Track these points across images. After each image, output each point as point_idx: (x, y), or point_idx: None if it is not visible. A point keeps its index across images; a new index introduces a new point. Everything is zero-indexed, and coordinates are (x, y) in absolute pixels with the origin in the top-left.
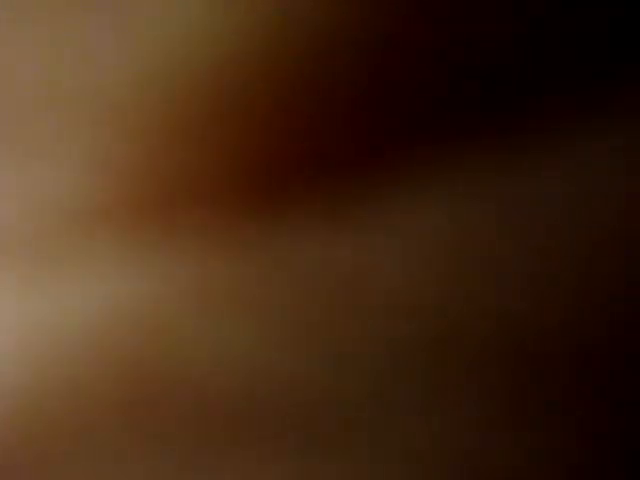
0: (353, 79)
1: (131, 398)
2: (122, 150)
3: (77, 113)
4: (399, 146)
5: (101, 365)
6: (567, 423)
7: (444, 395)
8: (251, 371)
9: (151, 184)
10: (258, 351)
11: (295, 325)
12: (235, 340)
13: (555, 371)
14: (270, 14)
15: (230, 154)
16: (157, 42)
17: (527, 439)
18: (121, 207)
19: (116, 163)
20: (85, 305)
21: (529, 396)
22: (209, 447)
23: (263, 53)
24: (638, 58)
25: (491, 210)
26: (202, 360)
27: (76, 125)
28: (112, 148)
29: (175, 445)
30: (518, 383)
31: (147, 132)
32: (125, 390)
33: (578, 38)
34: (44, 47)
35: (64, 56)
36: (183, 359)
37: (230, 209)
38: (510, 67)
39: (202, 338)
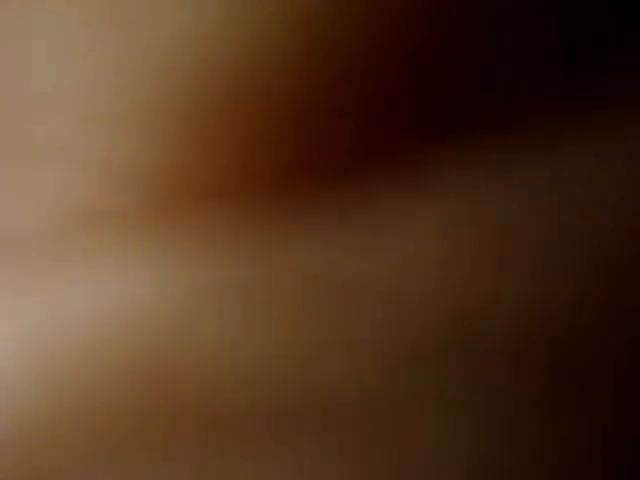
0: (357, 81)
1: (135, 400)
2: (127, 152)
3: (83, 115)
4: (404, 147)
5: (104, 367)
6: (585, 426)
7: (455, 396)
8: (258, 372)
9: (156, 186)
10: (265, 351)
11: (301, 326)
12: (242, 341)
13: (570, 373)
14: (275, 16)
15: (236, 157)
16: (164, 46)
17: (541, 441)
18: (126, 209)
19: (121, 165)
20: (89, 306)
21: (543, 398)
22: (213, 447)
23: (266, 55)
24: (637, 57)
25: (491, 210)
26: (205, 360)
27: (82, 127)
28: (117, 150)
29: (180, 447)
30: (530, 383)
31: (153, 135)
32: (129, 392)
33: (580, 38)
34: (56, 49)
35: (74, 58)
36: (187, 360)
37: (235, 211)
38: (510, 67)
39: (208, 339)
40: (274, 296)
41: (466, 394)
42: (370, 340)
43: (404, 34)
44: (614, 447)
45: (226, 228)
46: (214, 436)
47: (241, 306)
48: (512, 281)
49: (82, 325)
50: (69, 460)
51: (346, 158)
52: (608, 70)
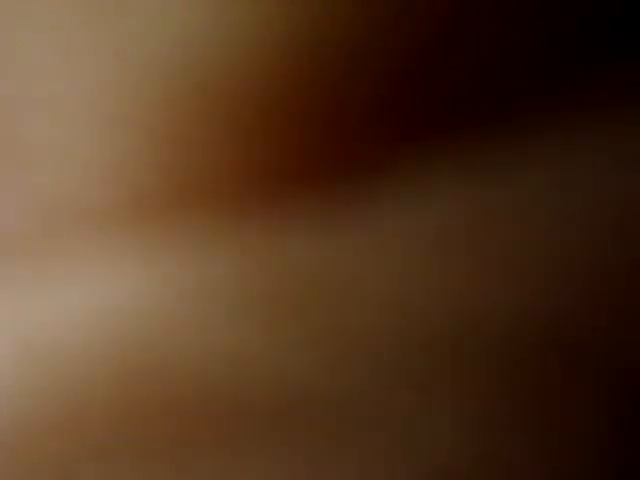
0: (349, 81)
1: (131, 398)
2: (123, 151)
3: (80, 116)
4: (398, 147)
5: (101, 366)
6: (568, 423)
7: (444, 395)
8: (252, 371)
9: (153, 185)
10: (259, 352)
11: (296, 326)
12: (236, 341)
13: (557, 370)
14: (272, 16)
15: (231, 156)
16: (161, 43)
17: (528, 439)
18: (122, 208)
19: (117, 165)
20: (86, 305)
21: (530, 396)
22: (211, 449)
23: (264, 55)
24: (636, 54)
25: (489, 210)
26: (203, 361)
27: (79, 127)
28: (113, 150)
29: (176, 446)
30: (518, 382)
31: (150, 134)
32: (125, 390)
33: (576, 35)
34: (54, 50)
35: (70, 57)
36: (184, 360)
37: (231, 210)
38: (507, 66)
39: (203, 339)
40: (269, 295)
41: (463, 394)
42: (356, 339)
43: (402, 35)
44: (614, 447)
45: (222, 227)
46: (212, 435)
47: (237, 305)
48: (509, 282)
49: (77, 324)
50: (67, 459)
51: (344, 159)
52: (607, 69)
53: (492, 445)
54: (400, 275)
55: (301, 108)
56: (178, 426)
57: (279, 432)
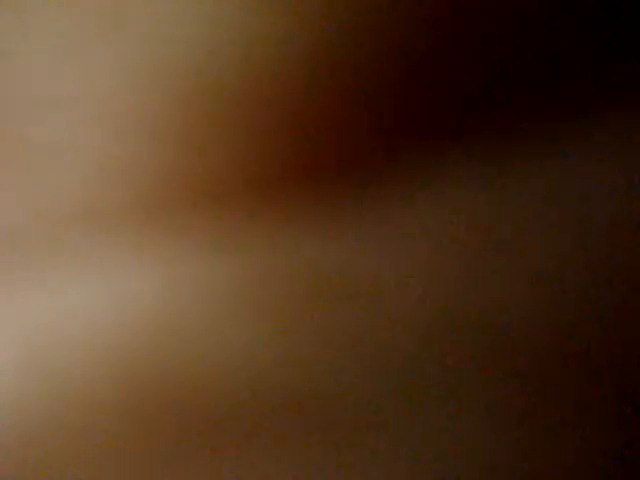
0: (353, 81)
1: (132, 398)
2: (126, 153)
3: (83, 117)
4: (400, 148)
5: (103, 365)
6: (568, 423)
7: (445, 395)
8: (252, 371)
9: (154, 187)
10: (259, 351)
11: (296, 326)
12: (237, 341)
13: (558, 371)
14: (280, 20)
15: (233, 157)
16: (170, 45)
17: (529, 439)
18: (124, 209)
19: (120, 166)
20: (88, 305)
21: (532, 395)
22: (211, 447)
23: (264, 56)
24: (636, 55)
25: (492, 211)
26: (204, 360)
27: (82, 128)
28: (116, 151)
29: (177, 444)
30: (523, 383)
31: (152, 135)
32: (126, 390)
33: (579, 39)
34: (55, 52)
35: (73, 61)
36: (185, 359)
37: (233, 211)
38: (509, 68)
39: (204, 339)
40: (272, 295)
41: (462, 395)
42: (355, 339)
43: (406, 39)
44: (619, 448)
45: (224, 228)
46: (213, 435)
47: (240, 305)
48: (507, 284)
49: (80, 324)
50: (68, 459)
51: (344, 160)
52: (607, 70)
53: (491, 447)
54: (403, 275)
55: (307, 110)
56: (180, 426)
57: (279, 432)
